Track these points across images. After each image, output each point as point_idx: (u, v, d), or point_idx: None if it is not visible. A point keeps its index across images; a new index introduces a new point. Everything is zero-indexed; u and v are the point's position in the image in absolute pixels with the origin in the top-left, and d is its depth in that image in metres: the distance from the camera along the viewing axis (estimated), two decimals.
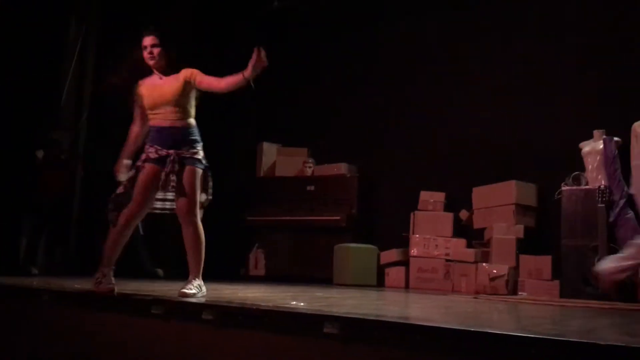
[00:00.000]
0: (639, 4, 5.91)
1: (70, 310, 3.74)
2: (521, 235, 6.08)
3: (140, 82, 3.93)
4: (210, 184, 3.92)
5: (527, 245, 6.08)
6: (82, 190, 7.16)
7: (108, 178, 7.29)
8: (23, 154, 6.57)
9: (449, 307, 4.05)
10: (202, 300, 3.54)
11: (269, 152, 7.84)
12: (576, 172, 5.88)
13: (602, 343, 2.13)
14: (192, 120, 3.90)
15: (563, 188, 5.85)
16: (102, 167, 7.29)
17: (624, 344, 2.12)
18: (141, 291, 4.01)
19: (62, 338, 3.70)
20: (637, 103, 5.73)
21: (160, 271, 6.85)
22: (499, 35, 6.73)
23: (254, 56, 3.63)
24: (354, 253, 6.62)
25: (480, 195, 6.43)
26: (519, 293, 5.83)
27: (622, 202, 5.57)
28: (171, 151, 3.78)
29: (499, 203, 6.23)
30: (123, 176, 3.90)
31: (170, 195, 3.87)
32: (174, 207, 3.87)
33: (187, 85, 3.84)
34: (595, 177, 5.78)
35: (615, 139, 5.76)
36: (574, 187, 5.82)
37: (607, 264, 4.63)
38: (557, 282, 5.70)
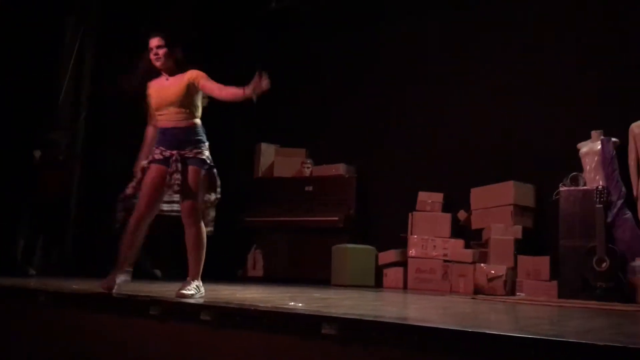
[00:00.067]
0: (638, 4, 5.91)
1: (68, 311, 3.73)
2: (519, 235, 6.09)
3: (150, 83, 3.96)
4: (218, 182, 3.90)
5: (525, 245, 6.08)
6: (80, 191, 7.15)
7: (106, 178, 7.33)
8: (21, 155, 6.56)
9: (447, 307, 4.05)
10: (200, 301, 3.53)
11: (267, 153, 7.84)
12: (574, 173, 5.89)
13: (600, 344, 2.14)
14: (197, 121, 3.90)
15: (561, 189, 5.85)
16: (101, 167, 7.31)
17: (621, 345, 2.12)
18: (139, 292, 4.00)
19: (60, 339, 3.69)
20: (635, 104, 5.75)
21: (158, 272, 6.84)
22: (497, 36, 6.73)
23: (256, 79, 3.64)
24: (352, 254, 6.62)
25: (479, 195, 6.43)
26: (517, 294, 5.83)
27: (620, 202, 5.58)
28: (174, 152, 3.78)
29: (497, 204, 6.24)
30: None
31: (177, 197, 3.86)
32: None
33: (191, 86, 3.84)
34: (593, 177, 5.79)
35: (613, 139, 5.77)
36: (572, 188, 5.82)
37: None
38: (555, 282, 5.71)
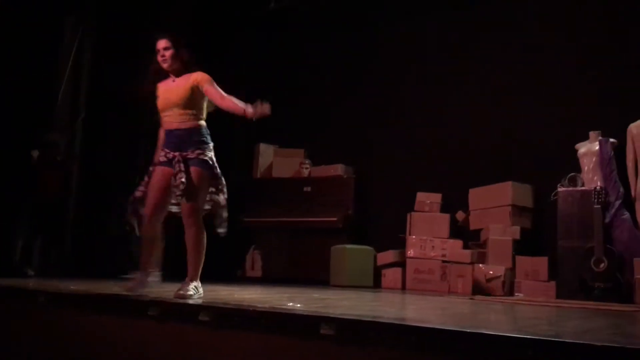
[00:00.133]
0: (638, 4, 5.92)
1: (67, 312, 3.73)
2: (517, 236, 6.09)
3: (159, 85, 3.97)
4: (222, 182, 3.89)
5: (523, 246, 6.08)
6: (78, 192, 7.15)
7: (104, 179, 7.33)
8: (19, 155, 6.56)
9: (445, 308, 4.05)
10: (199, 301, 3.53)
11: (266, 153, 7.84)
12: (572, 174, 5.89)
13: (598, 344, 2.14)
14: (201, 123, 3.89)
15: (559, 189, 5.86)
16: (99, 168, 7.31)
17: (619, 345, 2.13)
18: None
19: (59, 340, 3.69)
20: (633, 104, 5.75)
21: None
22: (495, 37, 6.74)
23: (257, 107, 3.66)
24: (351, 254, 6.62)
25: (477, 196, 6.43)
26: (516, 294, 5.83)
27: (617, 203, 5.59)
28: (176, 153, 3.79)
29: (495, 204, 6.24)
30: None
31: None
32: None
33: (195, 89, 3.85)
34: (591, 178, 5.80)
35: (611, 140, 5.78)
36: (570, 189, 5.83)
37: None
38: (553, 283, 5.71)
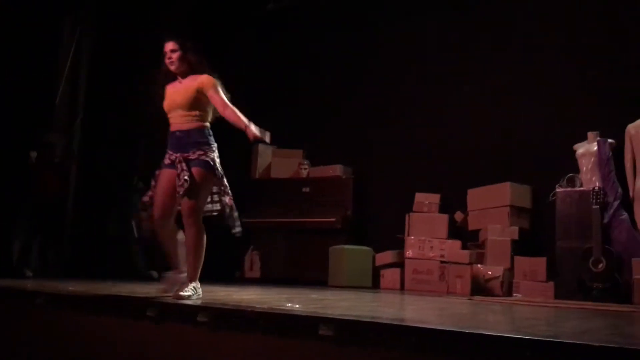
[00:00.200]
0: (638, 4, 5.92)
1: (65, 312, 3.73)
2: (516, 236, 6.10)
3: (167, 87, 3.99)
4: (224, 183, 3.90)
5: (521, 246, 6.09)
6: (77, 193, 7.15)
7: (103, 180, 7.32)
8: (18, 156, 6.55)
9: (444, 308, 4.05)
10: (198, 302, 3.53)
11: (264, 154, 7.83)
12: (570, 174, 5.90)
13: (596, 344, 2.14)
14: (204, 124, 3.90)
15: (557, 190, 5.86)
16: (97, 169, 7.31)
17: (618, 346, 2.13)
18: (136, 293, 4.00)
19: (57, 341, 3.68)
20: (631, 105, 5.76)
21: (155, 273, 6.83)
22: (494, 37, 6.74)
23: (260, 133, 3.72)
24: (349, 255, 6.62)
25: (475, 196, 6.44)
26: (514, 294, 5.84)
27: (616, 203, 5.60)
28: (178, 154, 3.81)
29: (493, 205, 6.25)
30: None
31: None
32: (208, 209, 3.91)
33: (200, 91, 3.86)
34: (589, 178, 5.80)
35: (609, 140, 5.79)
36: (569, 189, 5.83)
37: None
38: (551, 283, 5.72)
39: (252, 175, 7.82)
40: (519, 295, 5.77)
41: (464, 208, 6.56)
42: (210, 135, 3.90)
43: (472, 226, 6.45)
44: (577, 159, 5.95)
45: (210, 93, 3.84)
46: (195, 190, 3.74)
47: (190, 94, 3.84)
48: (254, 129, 3.72)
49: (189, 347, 3.14)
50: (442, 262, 6.33)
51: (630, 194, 5.63)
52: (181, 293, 3.65)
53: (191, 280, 3.77)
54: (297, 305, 3.49)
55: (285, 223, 7.25)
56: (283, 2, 7.75)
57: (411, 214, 6.67)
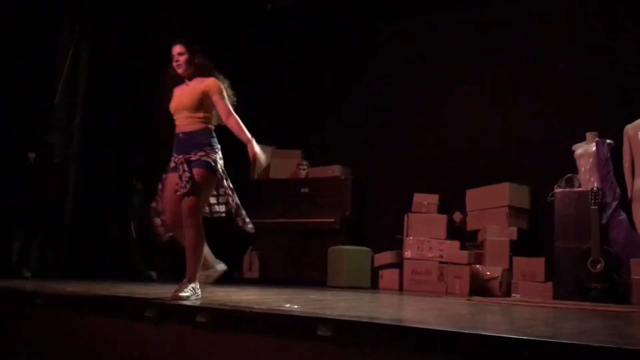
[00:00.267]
0: (638, 4, 5.93)
1: (64, 313, 3.72)
2: (514, 237, 6.10)
3: (175, 89, 4.02)
4: (225, 184, 3.91)
5: (520, 247, 6.09)
6: (76, 193, 7.14)
7: (101, 180, 7.31)
8: (16, 156, 6.55)
9: (442, 309, 4.05)
10: (196, 303, 3.53)
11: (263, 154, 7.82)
12: (569, 175, 5.90)
13: (594, 345, 2.14)
14: (208, 126, 3.91)
15: (556, 190, 5.87)
16: (96, 169, 7.31)
17: (616, 346, 2.13)
18: (134, 294, 4.00)
19: (56, 341, 3.68)
20: (629, 106, 5.77)
21: (153, 274, 6.84)
22: (495, 37, 6.74)
23: (260, 155, 3.84)
24: (348, 255, 6.62)
25: (474, 197, 6.44)
26: (513, 295, 5.84)
27: (614, 204, 5.60)
28: (180, 156, 3.83)
29: (492, 205, 6.25)
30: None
31: (212, 199, 3.92)
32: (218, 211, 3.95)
33: (205, 95, 3.88)
34: (588, 179, 5.81)
35: (608, 141, 5.79)
36: (567, 190, 5.84)
37: None
38: (550, 284, 5.72)
39: (250, 176, 7.81)
40: (518, 296, 5.77)
41: (462, 208, 6.56)
42: (213, 137, 3.91)
43: (470, 227, 6.46)
44: (575, 159, 5.96)
45: (215, 98, 3.87)
46: (195, 190, 3.74)
47: (196, 95, 3.86)
48: (255, 146, 3.80)
49: (188, 348, 3.14)
50: (440, 262, 6.33)
51: (629, 194, 5.64)
52: (180, 294, 3.65)
53: (190, 280, 3.77)
54: (296, 306, 3.49)
55: (284, 223, 7.25)
56: (282, 3, 7.74)
57: (410, 214, 6.67)
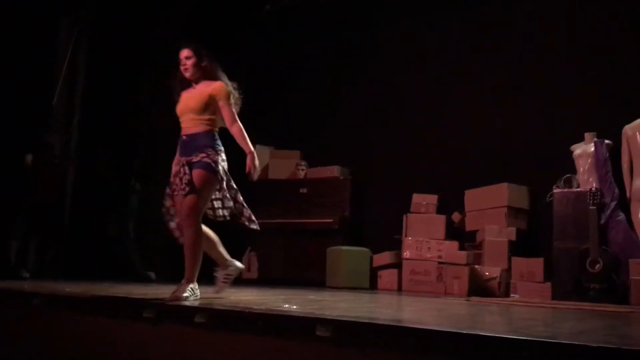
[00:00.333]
0: (639, 4, 5.93)
1: (62, 314, 3.72)
2: (513, 237, 6.10)
3: (182, 93, 4.05)
4: (224, 185, 3.91)
5: (519, 247, 6.09)
6: (74, 193, 7.13)
7: (100, 181, 7.30)
8: (15, 157, 6.54)
9: (441, 309, 4.05)
10: (195, 303, 3.53)
11: (262, 155, 7.78)
12: (568, 175, 5.90)
13: (593, 345, 2.14)
14: (212, 128, 3.93)
15: (555, 190, 5.87)
16: (95, 170, 7.30)
17: (615, 346, 2.13)
18: (133, 294, 3.99)
19: (54, 342, 3.67)
20: (628, 106, 5.77)
21: (152, 274, 6.83)
22: (495, 37, 6.74)
23: (254, 168, 3.89)
24: (347, 256, 6.62)
25: (473, 197, 6.44)
26: (511, 295, 5.84)
27: (613, 204, 5.60)
28: (183, 158, 3.86)
29: (491, 205, 6.25)
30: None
31: (217, 203, 3.95)
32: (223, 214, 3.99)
33: (212, 98, 3.91)
34: (586, 179, 5.81)
35: (606, 141, 5.80)
36: (566, 190, 5.84)
37: None
38: (549, 284, 5.72)
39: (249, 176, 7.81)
40: (517, 296, 5.77)
41: (461, 209, 6.56)
42: (216, 140, 3.93)
43: (469, 227, 6.46)
44: (574, 159, 5.96)
45: (221, 103, 3.91)
46: (196, 191, 3.75)
47: (203, 98, 3.90)
48: (255, 159, 3.86)
49: (187, 348, 3.14)
50: (439, 263, 6.33)
51: (627, 194, 5.64)
52: (179, 294, 3.65)
53: (189, 281, 3.77)
54: (295, 306, 3.49)
55: (283, 224, 7.25)
56: (281, 3, 7.74)
57: (409, 214, 6.67)
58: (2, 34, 6.55)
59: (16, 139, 6.54)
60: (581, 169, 5.88)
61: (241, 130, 3.91)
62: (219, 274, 4.11)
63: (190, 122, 3.91)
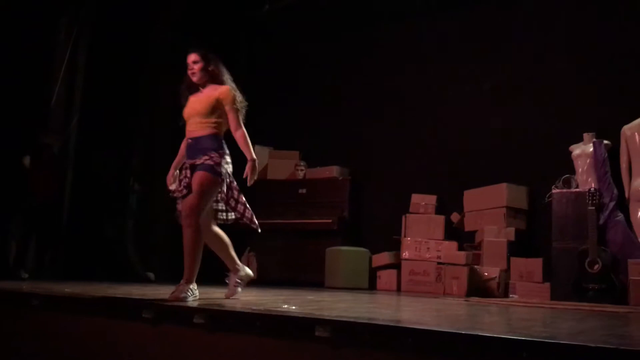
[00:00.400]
0: (639, 4, 5.94)
1: (61, 314, 3.72)
2: (512, 237, 6.11)
3: (190, 97, 4.08)
4: (225, 188, 3.91)
5: (518, 247, 6.10)
6: (73, 194, 7.13)
7: (98, 182, 7.29)
8: (13, 158, 6.53)
9: (440, 310, 4.06)
10: (194, 304, 3.52)
11: (261, 155, 7.77)
12: (566, 175, 5.91)
13: (592, 345, 2.15)
14: (217, 132, 3.94)
15: (553, 191, 5.87)
16: (93, 171, 7.29)
17: (613, 346, 2.13)
18: (132, 295, 3.99)
19: (53, 343, 3.67)
20: (627, 106, 5.78)
21: (151, 275, 6.83)
22: (494, 37, 6.75)
23: (251, 175, 3.93)
24: (346, 256, 6.63)
25: (472, 198, 6.45)
26: (510, 295, 5.85)
27: (612, 204, 5.61)
28: (187, 162, 3.91)
29: (490, 206, 6.26)
30: (173, 186, 4.05)
31: (221, 205, 3.98)
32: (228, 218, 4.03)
33: (218, 102, 3.94)
34: (585, 179, 5.82)
35: (605, 141, 5.80)
36: (565, 190, 5.85)
37: None
38: (547, 284, 5.73)
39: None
40: (515, 296, 5.78)
41: (460, 209, 6.56)
42: (219, 142, 3.94)
43: (468, 227, 6.46)
44: (573, 160, 5.97)
45: (227, 108, 3.95)
46: (195, 192, 3.76)
47: (210, 102, 3.93)
48: (255, 167, 3.91)
49: (186, 349, 3.14)
50: (438, 263, 6.33)
51: (626, 195, 5.65)
52: (178, 294, 3.65)
53: (188, 281, 3.77)
54: (294, 307, 3.48)
55: (282, 224, 7.25)
56: (280, 3, 7.74)
57: (407, 215, 6.68)
58: (1, 34, 6.54)
59: (15, 139, 6.53)
60: (580, 169, 5.88)
61: (244, 136, 3.95)
62: (231, 279, 4.14)
63: (196, 125, 3.93)
